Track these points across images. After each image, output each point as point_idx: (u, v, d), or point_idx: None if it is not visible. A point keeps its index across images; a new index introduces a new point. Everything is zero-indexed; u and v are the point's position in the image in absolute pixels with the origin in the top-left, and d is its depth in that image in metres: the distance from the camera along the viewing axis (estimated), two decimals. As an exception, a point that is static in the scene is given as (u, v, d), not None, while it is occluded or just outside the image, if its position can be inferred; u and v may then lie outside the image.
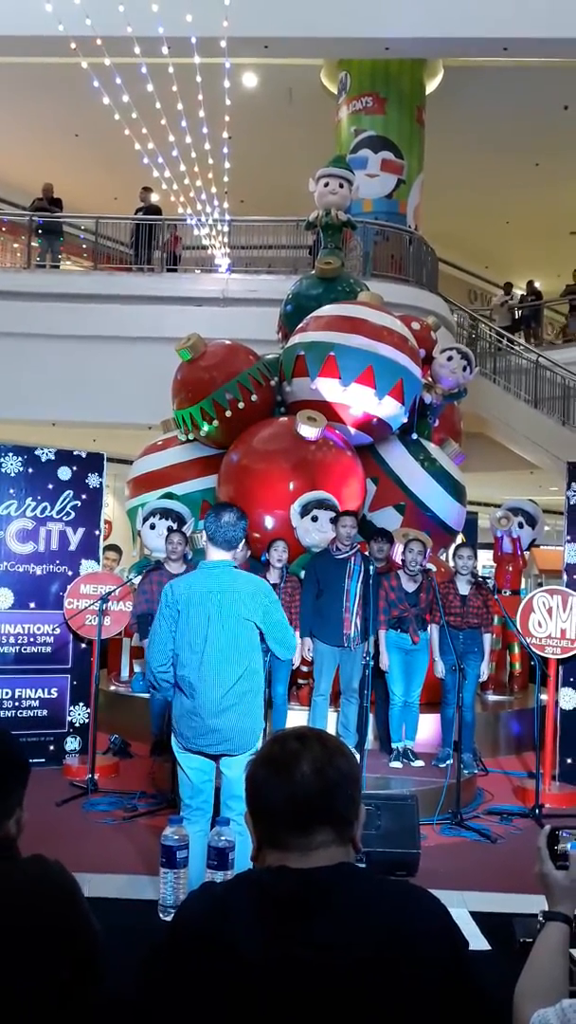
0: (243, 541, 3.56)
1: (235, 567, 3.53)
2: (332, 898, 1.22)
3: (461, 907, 3.27)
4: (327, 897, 1.22)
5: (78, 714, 6.55)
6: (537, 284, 17.61)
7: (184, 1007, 1.21)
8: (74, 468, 6.72)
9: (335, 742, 1.35)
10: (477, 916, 2.73)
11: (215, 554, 3.51)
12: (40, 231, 13.53)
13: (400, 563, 6.30)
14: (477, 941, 2.47)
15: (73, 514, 6.68)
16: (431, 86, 13.66)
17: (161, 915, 2.54)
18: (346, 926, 1.19)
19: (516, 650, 8.42)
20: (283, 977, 1.17)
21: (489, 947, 2.38)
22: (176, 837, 2.55)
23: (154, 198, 14.18)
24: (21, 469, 6.57)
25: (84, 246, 14.68)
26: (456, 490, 7.80)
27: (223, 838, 2.59)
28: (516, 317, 16.76)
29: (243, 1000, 1.17)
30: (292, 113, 14.68)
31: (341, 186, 8.26)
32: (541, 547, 9.92)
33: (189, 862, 2.99)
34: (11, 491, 6.53)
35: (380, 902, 1.23)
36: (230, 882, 1.32)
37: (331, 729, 5.88)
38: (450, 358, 8.24)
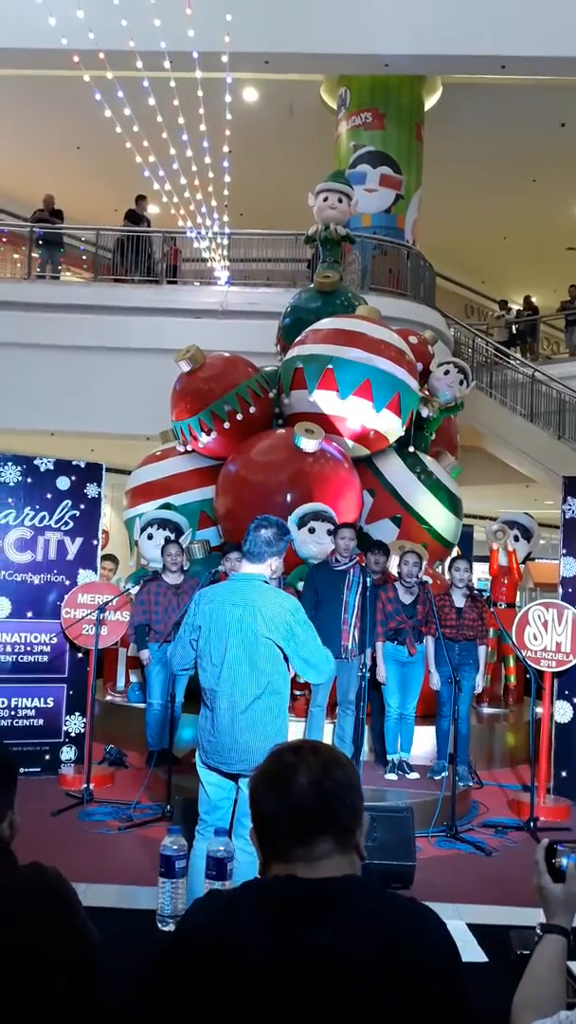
0: (275, 556, 3.43)
1: (265, 581, 3.43)
2: (337, 908, 1.24)
3: (457, 919, 3.28)
4: (332, 906, 1.24)
5: (74, 724, 6.55)
6: (533, 300, 17.73)
7: (188, 1010, 1.22)
8: (73, 478, 6.74)
9: (331, 753, 1.37)
10: (473, 928, 2.75)
11: (246, 567, 3.44)
12: (41, 242, 13.59)
13: (396, 575, 6.33)
14: (474, 953, 2.48)
15: (71, 524, 6.69)
16: (430, 102, 13.78)
17: (160, 925, 2.55)
18: (348, 936, 1.21)
19: (511, 663, 8.44)
20: (284, 982, 1.18)
21: (486, 959, 2.40)
22: (175, 847, 2.55)
23: (153, 209, 14.25)
24: (20, 479, 6.59)
25: (84, 257, 14.74)
26: (452, 503, 7.84)
27: (222, 849, 2.60)
28: (513, 332, 16.87)
29: (246, 1004, 1.18)
30: (292, 128, 14.78)
31: (340, 201, 8.33)
32: (536, 560, 9.95)
33: (192, 877, 2.97)
34: (10, 500, 6.54)
35: (383, 916, 1.25)
36: (237, 889, 1.34)
37: (327, 741, 5.89)
38: (447, 372, 8.29)
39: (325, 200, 8.33)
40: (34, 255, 13.46)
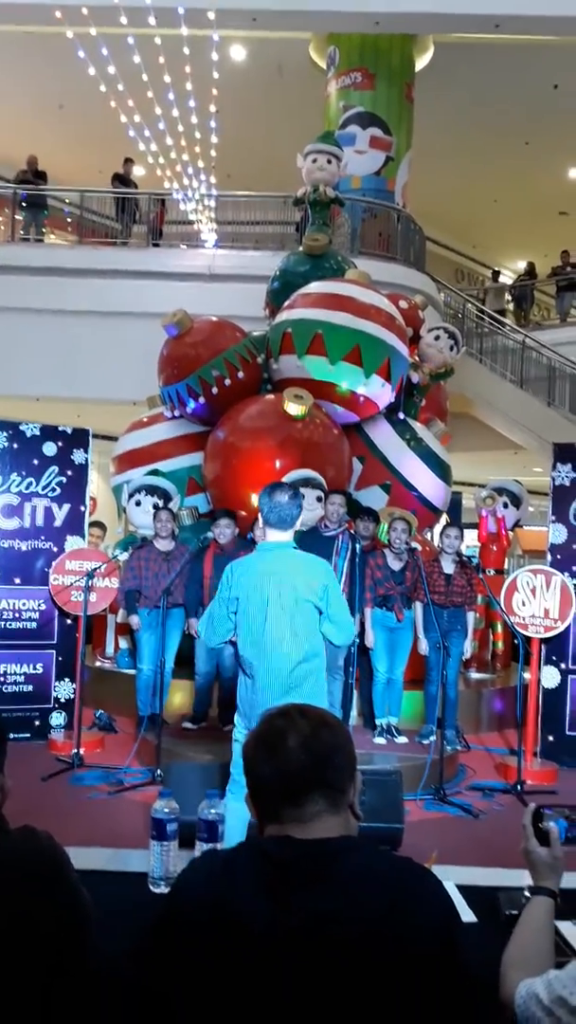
0: (298, 519, 3.51)
1: (294, 547, 3.50)
2: (335, 869, 1.24)
3: (446, 880, 3.32)
4: (329, 867, 1.24)
5: (63, 689, 6.56)
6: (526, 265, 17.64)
7: (184, 972, 1.23)
8: (59, 444, 6.68)
9: (318, 714, 1.38)
10: (462, 889, 2.78)
11: (272, 535, 3.49)
12: (24, 204, 13.37)
13: (385, 542, 6.33)
14: (464, 914, 2.51)
15: (58, 490, 6.65)
16: (421, 63, 13.55)
17: (151, 887, 2.56)
18: (346, 897, 1.21)
19: (499, 629, 8.49)
20: (282, 944, 1.18)
21: (475, 919, 2.43)
22: (167, 810, 2.56)
23: (138, 171, 14.03)
24: (5, 444, 6.53)
25: (68, 220, 14.52)
26: (442, 470, 7.82)
27: (212, 811, 2.62)
28: (507, 298, 16.80)
29: (242, 965, 1.19)
30: (280, 88, 14.53)
31: (329, 162, 8.20)
32: (525, 527, 9.97)
33: (227, 837, 2.97)
34: (-4, 466, 6.49)
35: (382, 877, 1.25)
36: (233, 848, 1.35)
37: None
38: (437, 337, 8.23)
39: (314, 162, 8.19)
40: (17, 217, 13.25)
